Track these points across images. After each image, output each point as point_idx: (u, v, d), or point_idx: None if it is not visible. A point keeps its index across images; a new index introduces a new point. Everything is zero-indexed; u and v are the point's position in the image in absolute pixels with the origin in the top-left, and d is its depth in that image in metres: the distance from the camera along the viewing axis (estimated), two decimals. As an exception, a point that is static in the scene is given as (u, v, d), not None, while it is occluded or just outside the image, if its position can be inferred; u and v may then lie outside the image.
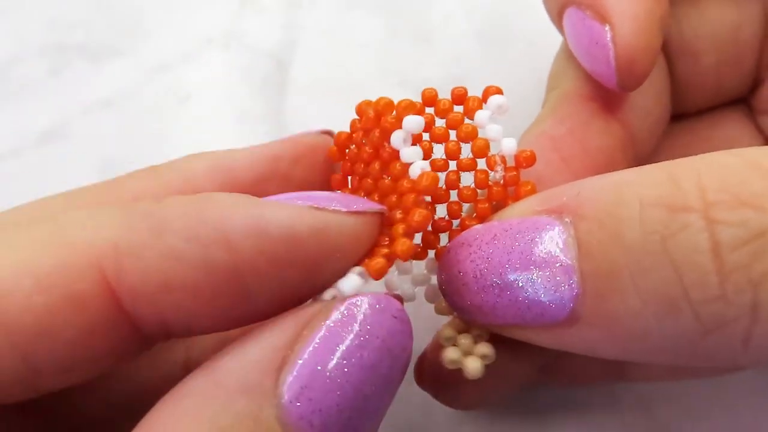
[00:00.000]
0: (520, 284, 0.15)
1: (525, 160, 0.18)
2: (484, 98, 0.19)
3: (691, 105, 0.24)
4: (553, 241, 0.15)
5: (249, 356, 0.14)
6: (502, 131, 0.18)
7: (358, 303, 0.14)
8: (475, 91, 0.31)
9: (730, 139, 0.24)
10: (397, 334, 0.15)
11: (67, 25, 0.33)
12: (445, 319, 0.18)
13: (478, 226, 0.17)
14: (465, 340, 0.17)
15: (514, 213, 0.16)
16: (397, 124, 0.18)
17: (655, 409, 0.25)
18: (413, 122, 0.18)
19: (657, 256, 0.13)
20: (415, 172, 0.18)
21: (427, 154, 0.18)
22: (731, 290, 0.12)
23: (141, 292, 0.14)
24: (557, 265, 0.14)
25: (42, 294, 0.13)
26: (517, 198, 0.18)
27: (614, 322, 0.14)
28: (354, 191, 0.19)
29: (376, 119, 0.18)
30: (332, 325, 0.14)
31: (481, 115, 0.18)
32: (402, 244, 0.16)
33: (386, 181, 0.18)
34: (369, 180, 0.18)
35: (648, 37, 0.19)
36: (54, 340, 0.14)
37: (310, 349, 0.14)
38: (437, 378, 0.20)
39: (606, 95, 0.21)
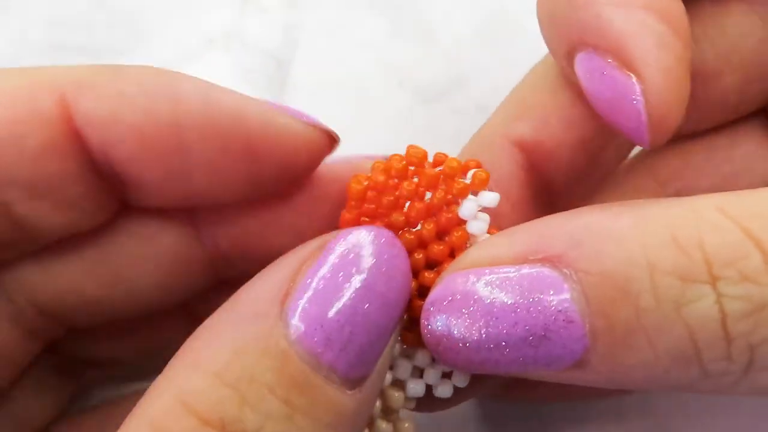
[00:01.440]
0: (528, 341, 0.15)
1: None
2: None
3: (710, 123, 0.23)
4: (561, 298, 0.15)
5: (258, 289, 0.16)
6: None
7: (352, 235, 0.16)
8: (476, 89, 0.31)
9: (750, 155, 0.23)
10: (390, 258, 0.16)
11: (68, 26, 0.33)
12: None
13: (461, 277, 0.16)
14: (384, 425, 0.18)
15: (499, 256, 0.16)
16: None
17: (654, 408, 0.25)
18: (491, 199, 0.17)
19: (673, 320, 0.14)
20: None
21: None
22: (735, 352, 0.14)
23: (92, 118, 0.16)
24: (567, 322, 0.14)
25: (6, 107, 0.16)
26: None
27: (622, 371, 0.15)
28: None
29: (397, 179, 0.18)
30: (329, 255, 0.16)
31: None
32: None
33: (440, 247, 0.17)
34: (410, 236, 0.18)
35: (681, 90, 0.18)
36: (17, 150, 0.16)
37: (310, 276, 0.15)
38: None
39: (532, 144, 0.21)
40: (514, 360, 0.15)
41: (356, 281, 0.15)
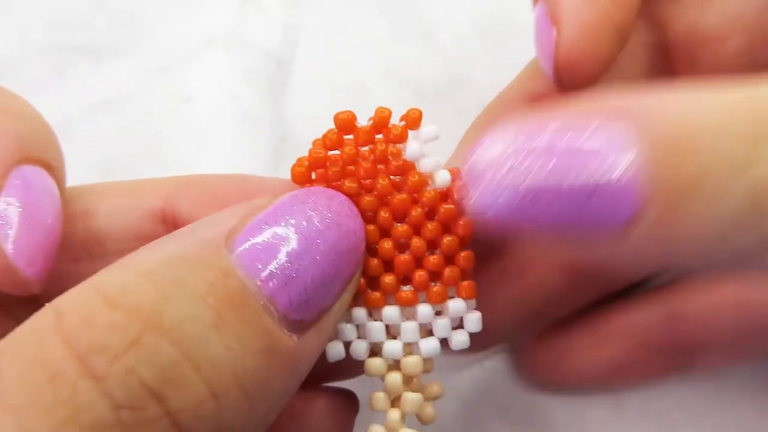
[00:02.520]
0: (583, 190, 0.14)
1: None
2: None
3: None
4: (626, 152, 0.14)
5: (204, 223, 0.16)
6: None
7: (306, 190, 0.16)
8: (477, 89, 0.31)
9: None
10: (344, 215, 0.16)
11: (69, 26, 0.33)
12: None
13: (515, 124, 0.15)
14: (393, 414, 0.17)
15: (568, 111, 0.15)
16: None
17: (656, 408, 0.25)
18: (430, 132, 0.17)
19: (738, 179, 0.13)
20: (445, 179, 0.17)
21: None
22: None
23: None
24: (627, 173, 0.14)
25: None
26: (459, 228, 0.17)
27: (674, 236, 0.14)
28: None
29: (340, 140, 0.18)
30: (281, 203, 0.16)
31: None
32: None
33: (402, 196, 0.17)
34: (369, 198, 0.17)
35: (595, 44, 0.19)
36: None
37: (261, 218, 0.15)
38: None
39: (544, 97, 0.21)
40: (563, 211, 0.14)
41: (307, 226, 0.15)
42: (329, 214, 0.16)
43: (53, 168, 0.18)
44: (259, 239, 0.15)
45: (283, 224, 0.15)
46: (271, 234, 0.15)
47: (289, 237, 0.15)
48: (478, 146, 0.15)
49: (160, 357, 0.13)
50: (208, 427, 0.13)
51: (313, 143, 0.18)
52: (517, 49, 0.31)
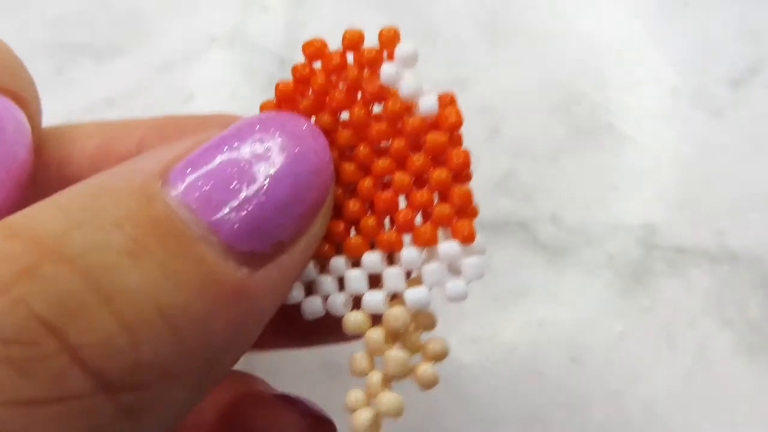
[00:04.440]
0: None
1: (452, 122, 0.15)
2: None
3: None
4: None
5: (141, 157, 0.14)
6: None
7: (259, 114, 0.15)
8: (478, 90, 0.31)
9: None
10: (301, 136, 0.14)
11: (71, 25, 0.33)
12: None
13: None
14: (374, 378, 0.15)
15: None
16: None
17: (656, 409, 0.25)
18: (407, 51, 0.15)
19: None
20: (430, 104, 0.15)
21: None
22: None
23: None
24: None
25: None
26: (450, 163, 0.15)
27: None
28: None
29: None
30: (228, 129, 0.14)
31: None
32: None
33: (379, 126, 0.15)
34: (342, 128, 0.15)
35: None
36: None
37: (205, 145, 0.14)
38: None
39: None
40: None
41: (254, 149, 0.14)
42: (283, 135, 0.14)
43: (23, 100, 0.17)
44: (200, 167, 0.13)
45: (227, 150, 0.13)
46: (215, 162, 0.13)
47: (234, 162, 0.13)
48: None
49: (59, 287, 0.11)
50: (123, 364, 0.11)
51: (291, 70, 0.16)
52: (518, 49, 0.31)
